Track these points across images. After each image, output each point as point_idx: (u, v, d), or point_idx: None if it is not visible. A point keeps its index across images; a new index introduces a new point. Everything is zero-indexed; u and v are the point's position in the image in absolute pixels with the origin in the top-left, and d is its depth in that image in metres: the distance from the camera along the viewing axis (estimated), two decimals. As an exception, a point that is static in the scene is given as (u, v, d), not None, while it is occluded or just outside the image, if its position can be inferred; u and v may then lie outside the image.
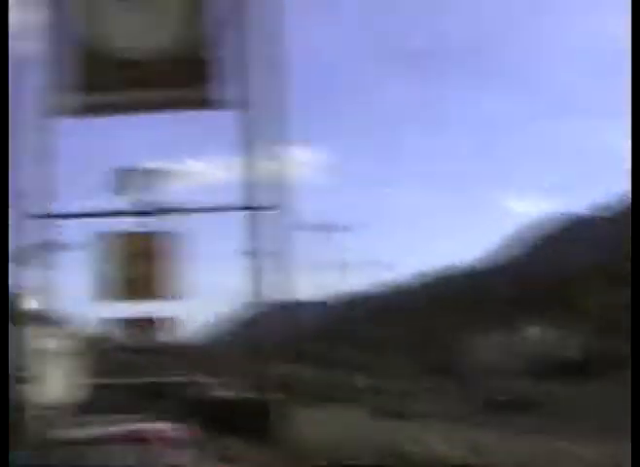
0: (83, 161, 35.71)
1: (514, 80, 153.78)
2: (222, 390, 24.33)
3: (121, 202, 15.82)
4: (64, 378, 32.93)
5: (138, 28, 15.77)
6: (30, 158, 15.83)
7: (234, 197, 15.96)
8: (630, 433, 9.02)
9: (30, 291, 15.60)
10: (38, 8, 16.32)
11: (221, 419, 18.91)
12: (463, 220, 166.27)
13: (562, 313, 71.42)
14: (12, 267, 15.67)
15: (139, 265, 15.71)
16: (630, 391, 9.61)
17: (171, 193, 16.13)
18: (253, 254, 15.55)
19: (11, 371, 15.57)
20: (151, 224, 15.88)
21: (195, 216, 16.20)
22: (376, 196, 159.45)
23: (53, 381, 21.15)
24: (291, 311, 15.79)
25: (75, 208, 16.33)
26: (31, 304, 15.67)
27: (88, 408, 20.46)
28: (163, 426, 13.30)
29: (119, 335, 15.83)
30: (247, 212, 15.74)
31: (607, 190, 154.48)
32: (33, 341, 15.72)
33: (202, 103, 15.79)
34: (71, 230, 16.58)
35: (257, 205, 15.72)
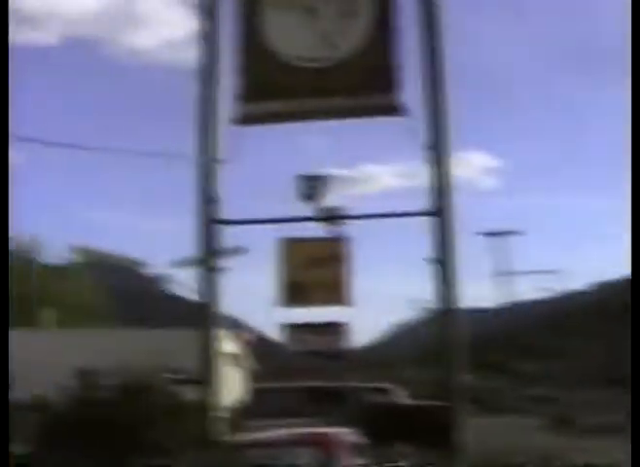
0: (268, 167, 36.67)
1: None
2: (399, 397, 24.28)
3: (304, 208, 16.07)
4: (241, 382, 33.88)
5: (320, 38, 16.04)
6: (218, 164, 16.29)
7: (413, 203, 15.95)
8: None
9: (215, 295, 16.05)
10: (220, 18, 16.79)
11: (397, 426, 18.86)
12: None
13: None
14: (198, 271, 16.24)
15: (321, 271, 15.91)
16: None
17: (352, 198, 16.24)
18: (432, 261, 15.44)
19: (195, 373, 16.11)
20: (334, 230, 16.05)
21: (373, 222, 16.31)
22: (547, 201, 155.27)
23: (230, 384, 21.72)
24: (464, 319, 15.55)
25: (260, 214, 16.71)
26: (216, 307, 16.12)
27: (261, 411, 20.85)
28: (342, 431, 13.40)
29: (296, 339, 16.06)
30: (425, 218, 15.66)
31: None
32: (216, 344, 16.16)
33: (388, 110, 15.82)
34: (256, 235, 17.03)
35: (433, 211, 15.61)
